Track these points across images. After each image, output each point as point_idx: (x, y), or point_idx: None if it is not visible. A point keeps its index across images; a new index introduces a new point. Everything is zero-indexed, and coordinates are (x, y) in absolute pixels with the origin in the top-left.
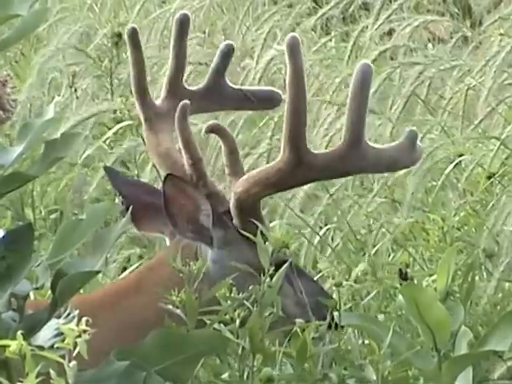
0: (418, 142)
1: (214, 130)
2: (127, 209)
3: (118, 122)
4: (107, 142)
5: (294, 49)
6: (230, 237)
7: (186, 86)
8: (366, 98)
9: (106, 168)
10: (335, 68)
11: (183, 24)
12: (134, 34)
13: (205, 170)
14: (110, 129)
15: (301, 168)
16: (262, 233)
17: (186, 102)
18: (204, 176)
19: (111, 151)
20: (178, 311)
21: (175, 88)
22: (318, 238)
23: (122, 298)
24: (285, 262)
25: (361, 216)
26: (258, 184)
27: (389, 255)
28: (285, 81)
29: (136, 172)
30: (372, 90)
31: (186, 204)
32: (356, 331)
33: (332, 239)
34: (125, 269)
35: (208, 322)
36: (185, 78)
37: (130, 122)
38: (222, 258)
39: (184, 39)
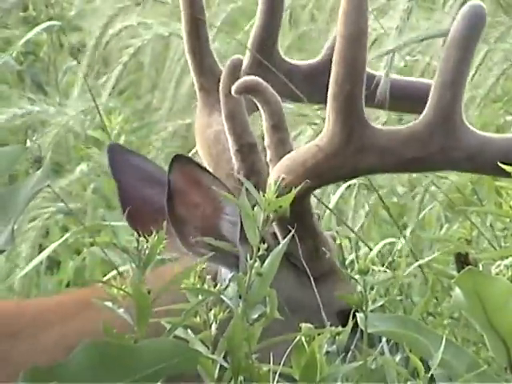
0: None
1: (248, 88)
2: (122, 204)
3: (31, 25)
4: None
5: None
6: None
7: (283, 56)
8: (469, 54)
9: (110, 145)
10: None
11: None
12: None
13: (257, 160)
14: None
15: (351, 147)
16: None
17: (239, 57)
18: (255, 170)
19: (21, 68)
20: (121, 311)
21: (264, 54)
22: (333, 199)
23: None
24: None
25: None
26: (291, 171)
27: (441, 227)
28: None
29: None
30: None
31: (200, 203)
32: (391, 342)
33: (356, 203)
34: (41, 247)
35: (167, 326)
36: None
37: None
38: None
39: None
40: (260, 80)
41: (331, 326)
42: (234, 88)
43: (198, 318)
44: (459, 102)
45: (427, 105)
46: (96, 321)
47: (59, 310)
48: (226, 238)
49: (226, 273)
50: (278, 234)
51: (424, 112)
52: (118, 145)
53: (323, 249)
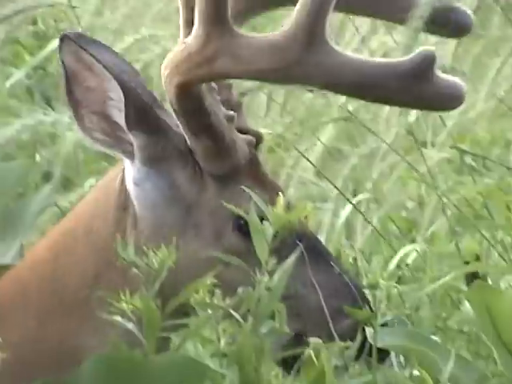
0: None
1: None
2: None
3: (40, 39)
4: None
5: None
6: (161, 148)
7: None
8: None
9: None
10: None
11: None
12: None
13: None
14: (25, 48)
15: (209, 49)
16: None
17: None
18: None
19: (30, 82)
20: (131, 326)
21: None
22: (343, 214)
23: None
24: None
25: (408, 181)
26: (167, 66)
27: (450, 240)
28: None
29: None
30: None
31: (93, 87)
32: (400, 357)
33: (364, 217)
34: None
35: (175, 341)
36: None
37: None
38: (146, 182)
39: None
40: None
41: (224, 229)
42: None
43: (207, 333)
44: (322, 18)
45: (291, 17)
46: None
47: None
48: (117, 124)
49: (127, 165)
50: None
51: (287, 24)
52: (75, 33)
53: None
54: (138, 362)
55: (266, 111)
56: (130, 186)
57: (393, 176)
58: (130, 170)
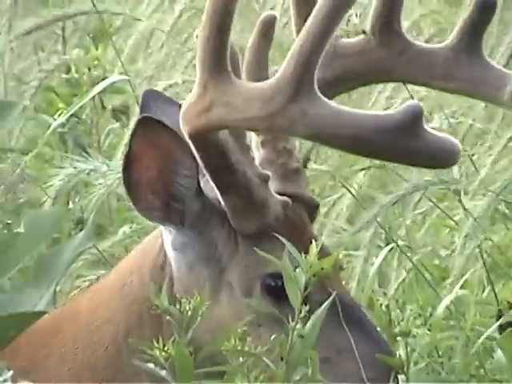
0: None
1: None
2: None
3: (74, 87)
4: (58, 116)
5: None
6: (209, 209)
7: (407, 35)
8: (330, 23)
9: (145, 91)
10: None
11: None
12: None
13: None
14: (59, 96)
15: (206, 98)
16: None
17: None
18: None
19: (64, 130)
20: (164, 373)
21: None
22: (376, 261)
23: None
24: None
25: (442, 229)
26: (181, 117)
27: (483, 289)
28: None
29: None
30: None
31: (152, 165)
32: None
33: (398, 264)
34: None
35: None
36: None
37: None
38: (187, 246)
39: None
40: None
41: (252, 289)
42: None
43: (239, 380)
44: (310, 68)
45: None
46: None
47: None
48: (176, 196)
49: (170, 251)
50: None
51: (276, 73)
52: (154, 91)
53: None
54: None
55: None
56: (169, 249)
57: (426, 224)
58: (169, 235)
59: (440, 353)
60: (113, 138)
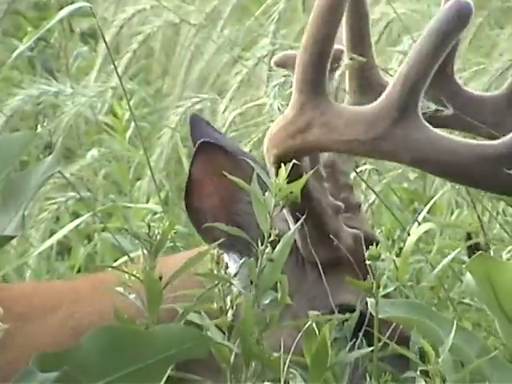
0: None
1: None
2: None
3: (42, 10)
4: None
5: None
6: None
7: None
8: (440, 48)
9: (191, 117)
10: None
11: None
12: None
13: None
14: (27, 19)
15: (302, 119)
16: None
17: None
18: None
19: (32, 54)
20: (132, 296)
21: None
22: None
23: None
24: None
25: None
26: (267, 139)
27: (451, 212)
28: None
29: None
30: None
31: (215, 192)
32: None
33: (366, 188)
34: (52, 233)
35: (180, 311)
36: None
37: None
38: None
39: None
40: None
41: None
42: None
43: (214, 304)
44: (415, 94)
45: (385, 91)
46: (104, 303)
47: (70, 292)
48: (239, 224)
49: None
50: (288, 220)
51: (380, 96)
52: (199, 117)
53: (331, 236)
54: (139, 333)
55: None
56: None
57: None
58: (233, 264)
59: (408, 276)
60: (81, 62)
